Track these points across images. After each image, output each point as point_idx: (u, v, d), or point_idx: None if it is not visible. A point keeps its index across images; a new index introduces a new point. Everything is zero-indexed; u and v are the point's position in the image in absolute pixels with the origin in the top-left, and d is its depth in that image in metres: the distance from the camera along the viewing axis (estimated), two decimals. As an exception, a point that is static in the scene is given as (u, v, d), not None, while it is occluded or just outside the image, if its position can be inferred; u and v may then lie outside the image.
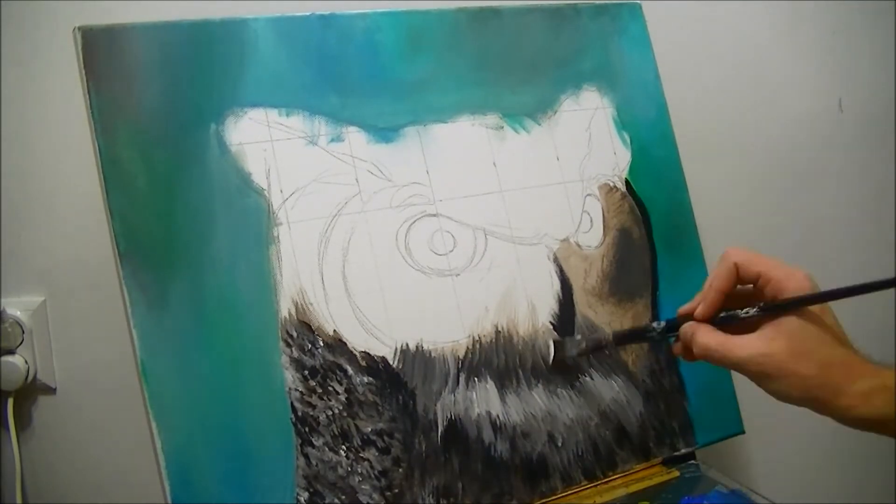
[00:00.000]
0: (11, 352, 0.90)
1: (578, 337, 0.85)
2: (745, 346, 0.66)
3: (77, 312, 0.93)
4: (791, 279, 0.66)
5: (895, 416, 0.61)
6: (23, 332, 0.91)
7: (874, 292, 0.64)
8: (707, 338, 0.68)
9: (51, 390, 0.93)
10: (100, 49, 0.74)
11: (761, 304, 0.67)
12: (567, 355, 0.84)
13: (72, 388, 0.94)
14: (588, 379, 0.86)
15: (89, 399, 0.94)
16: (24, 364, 0.90)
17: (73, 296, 0.92)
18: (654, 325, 0.77)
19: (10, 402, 0.91)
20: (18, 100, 0.89)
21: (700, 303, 0.70)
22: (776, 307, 0.66)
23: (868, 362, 0.64)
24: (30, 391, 0.92)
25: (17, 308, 0.91)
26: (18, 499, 0.91)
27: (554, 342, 0.84)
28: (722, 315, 0.70)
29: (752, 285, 0.70)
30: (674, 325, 0.74)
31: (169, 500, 0.69)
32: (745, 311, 0.68)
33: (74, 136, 0.82)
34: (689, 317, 0.71)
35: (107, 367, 0.92)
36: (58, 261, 0.92)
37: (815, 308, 0.66)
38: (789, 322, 0.65)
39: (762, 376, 0.65)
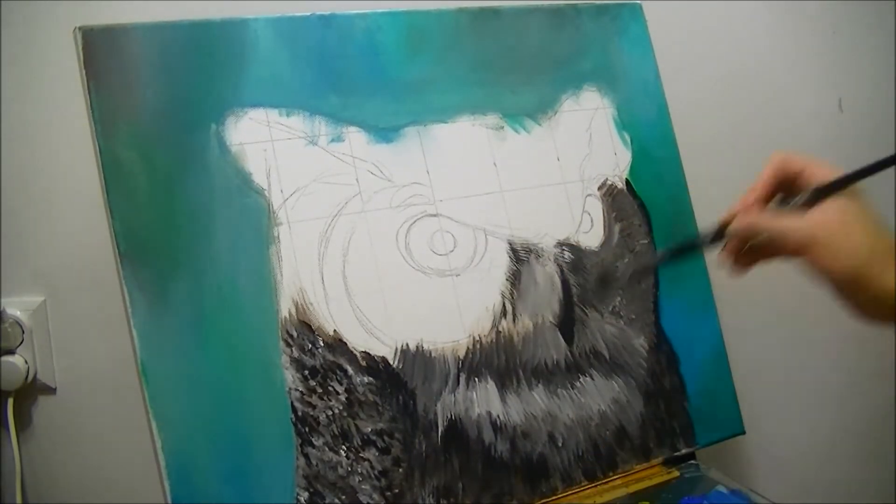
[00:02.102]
0: (11, 352, 0.90)
1: (626, 260, 0.85)
2: (795, 216, 0.66)
3: (77, 312, 0.93)
4: (835, 172, 0.67)
5: None
6: (23, 332, 0.91)
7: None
8: (753, 213, 0.68)
9: (51, 390, 0.93)
10: (100, 49, 0.74)
11: (811, 190, 0.67)
12: (617, 283, 0.85)
13: (72, 388, 0.94)
14: (588, 379, 0.86)
15: (89, 399, 0.94)
16: (24, 364, 0.90)
17: (73, 296, 0.92)
18: (703, 233, 0.74)
19: (10, 402, 0.91)
20: (19, 100, 0.88)
21: (745, 195, 0.70)
22: (826, 189, 0.66)
23: None
24: (30, 391, 0.92)
25: (17, 308, 0.91)
26: (18, 499, 0.91)
27: (601, 275, 0.84)
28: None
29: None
30: (720, 233, 0.72)
31: (169, 500, 0.69)
32: (796, 198, 0.68)
33: (74, 137, 0.82)
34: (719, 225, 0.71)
35: (107, 367, 0.92)
36: (58, 261, 0.92)
37: (858, 197, 0.66)
38: (836, 201, 0.65)
39: (812, 243, 0.64)
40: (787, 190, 0.70)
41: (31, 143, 0.90)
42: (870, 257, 0.62)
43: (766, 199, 0.70)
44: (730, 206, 1.12)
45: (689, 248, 0.79)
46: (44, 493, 0.94)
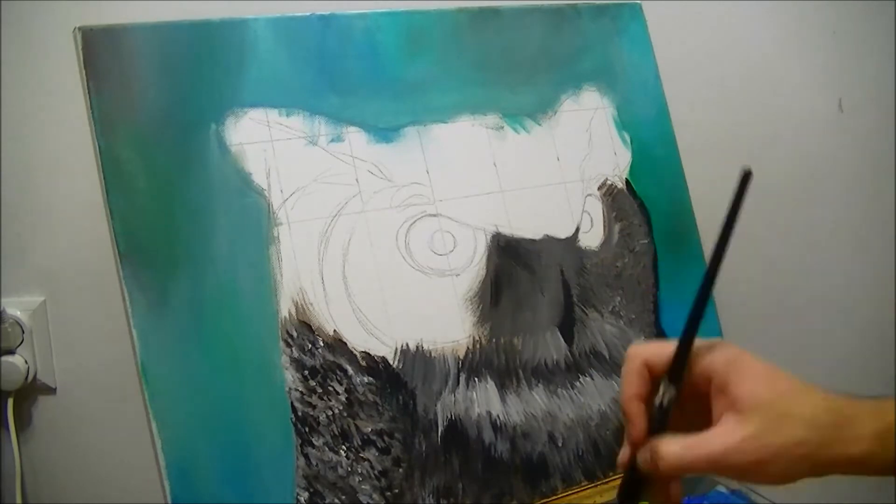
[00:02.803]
0: (11, 352, 0.90)
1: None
2: (714, 440, 0.52)
3: (77, 312, 0.93)
4: (713, 348, 0.55)
5: None
6: (23, 332, 0.90)
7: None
8: (670, 447, 0.52)
9: (51, 390, 0.93)
10: (100, 49, 0.74)
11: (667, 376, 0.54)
12: None
13: (72, 388, 0.94)
14: (588, 379, 0.86)
15: (89, 399, 0.94)
16: (24, 364, 0.90)
17: (73, 296, 0.92)
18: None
19: (10, 402, 0.91)
20: (19, 100, 0.88)
21: (627, 425, 0.56)
22: (677, 367, 0.54)
23: (846, 398, 0.53)
24: (30, 391, 0.92)
25: (17, 308, 0.90)
26: (18, 499, 0.91)
27: None
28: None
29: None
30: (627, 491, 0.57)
31: (169, 500, 0.69)
32: (659, 395, 0.54)
33: (74, 137, 0.82)
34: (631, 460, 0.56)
35: (107, 367, 0.92)
36: (58, 261, 0.92)
37: (757, 367, 0.53)
38: (744, 396, 0.52)
39: (750, 466, 0.51)
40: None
41: (32, 143, 0.90)
42: (822, 443, 0.51)
43: (643, 398, 0.55)
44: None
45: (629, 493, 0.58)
46: (44, 493, 0.94)
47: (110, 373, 0.91)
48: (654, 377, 0.55)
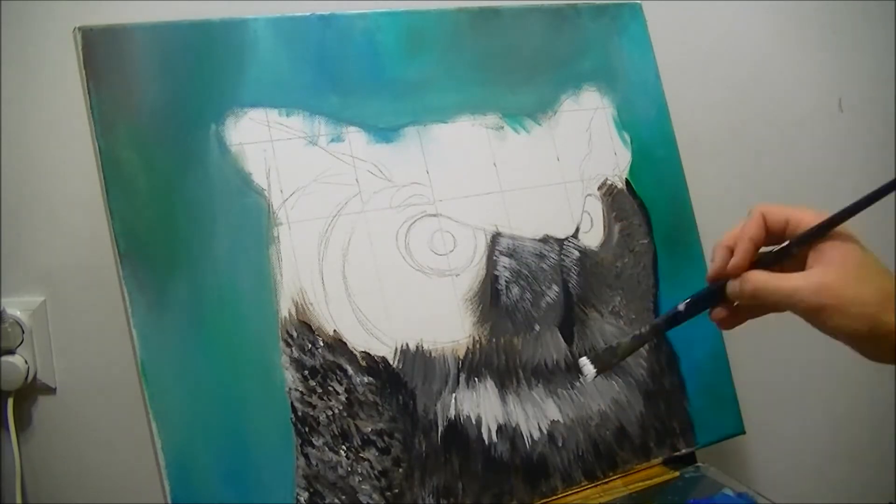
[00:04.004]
0: (11, 352, 0.90)
1: (615, 344, 0.78)
2: (799, 277, 0.61)
3: (77, 312, 0.93)
4: (820, 217, 0.63)
5: None
6: (23, 332, 0.90)
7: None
8: (758, 276, 0.63)
9: (51, 390, 0.93)
10: (100, 49, 0.74)
11: (795, 238, 0.64)
12: (611, 364, 0.74)
13: (72, 388, 0.94)
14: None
15: (89, 399, 0.94)
16: (24, 364, 0.90)
17: (73, 296, 0.92)
18: (680, 307, 0.70)
19: (10, 402, 0.91)
20: (19, 100, 0.88)
21: (734, 255, 0.65)
22: (810, 235, 0.63)
23: None
24: (30, 391, 0.92)
25: (17, 308, 0.91)
26: (18, 499, 0.91)
27: (592, 360, 0.72)
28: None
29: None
30: (699, 299, 0.70)
31: (169, 500, 0.69)
32: (778, 247, 0.65)
33: (75, 137, 0.82)
34: (717, 284, 0.67)
35: (107, 367, 0.92)
36: (58, 261, 0.92)
37: (852, 241, 0.63)
38: (835, 253, 0.61)
39: (821, 308, 0.60)
40: (775, 243, 0.66)
41: (32, 143, 0.90)
42: (881, 308, 0.59)
43: (757, 242, 0.66)
44: (730, 205, 1.13)
45: (674, 321, 0.72)
46: (44, 493, 0.94)
47: (110, 373, 0.91)
48: (768, 227, 0.65)
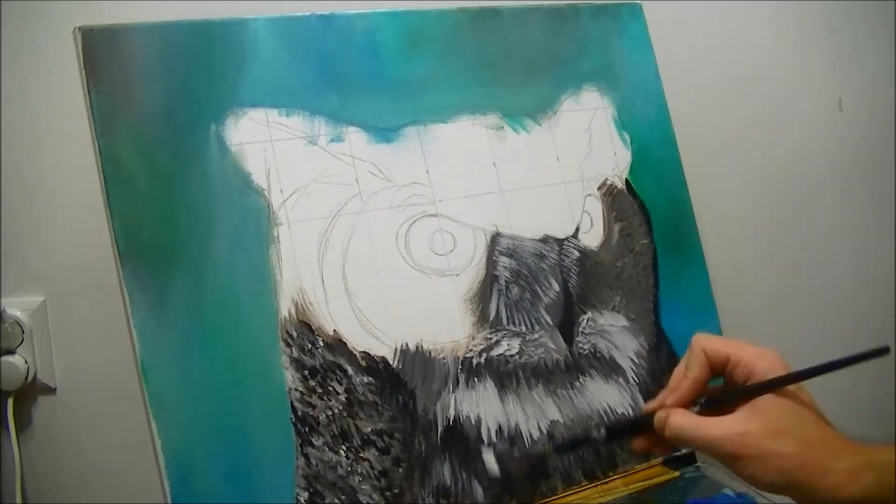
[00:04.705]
0: (11, 352, 0.90)
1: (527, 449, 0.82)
2: (719, 425, 0.61)
3: (77, 312, 0.93)
4: (760, 359, 0.63)
5: (884, 495, 0.56)
6: (23, 332, 0.90)
7: (852, 365, 0.64)
8: (680, 418, 0.63)
9: (51, 390, 0.93)
10: (100, 49, 0.74)
11: (725, 392, 0.64)
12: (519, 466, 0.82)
13: (72, 388, 0.94)
14: (588, 379, 0.86)
15: (89, 399, 0.94)
16: (24, 364, 0.90)
17: (73, 296, 0.92)
18: (595, 433, 0.66)
19: (10, 402, 0.91)
20: (19, 100, 0.88)
21: (671, 393, 0.65)
22: (744, 392, 0.62)
23: (848, 440, 0.60)
24: (30, 391, 0.92)
25: (17, 308, 0.91)
26: (18, 499, 0.91)
27: (497, 457, 0.77)
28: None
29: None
30: (627, 425, 0.71)
31: (169, 500, 0.69)
32: (718, 395, 0.65)
33: (75, 137, 0.82)
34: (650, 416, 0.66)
35: (107, 367, 0.92)
36: (58, 261, 0.92)
37: (788, 395, 0.62)
38: (765, 401, 0.61)
39: (737, 458, 0.59)
40: (717, 372, 0.65)
41: (32, 142, 0.90)
42: (803, 464, 0.58)
43: (703, 381, 0.65)
44: (730, 206, 1.14)
45: (587, 442, 0.70)
46: (44, 493, 0.94)
47: (110, 373, 0.91)
48: (709, 364, 0.64)
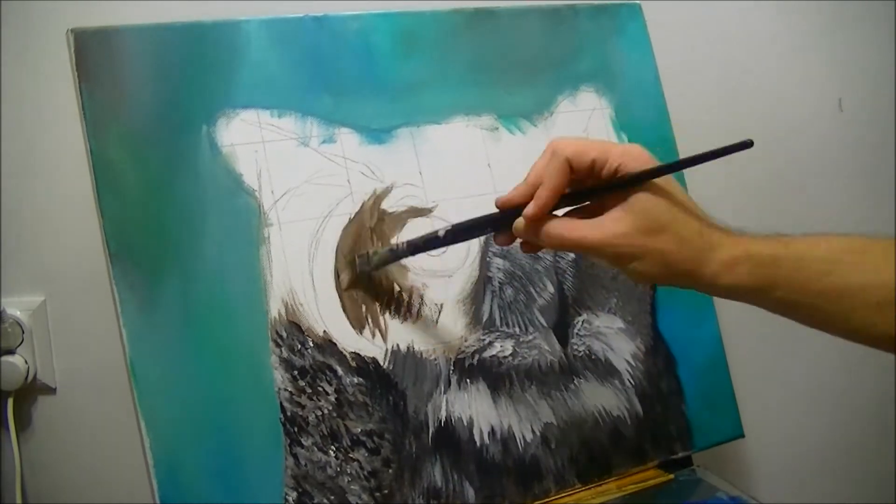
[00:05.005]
0: (11, 352, 0.91)
1: (371, 251, 0.79)
2: (597, 227, 0.62)
3: (77, 312, 0.93)
4: (627, 156, 0.63)
5: (757, 285, 0.61)
6: (23, 332, 0.91)
7: (719, 158, 0.63)
8: (558, 225, 0.64)
9: (51, 390, 0.94)
10: (92, 51, 0.74)
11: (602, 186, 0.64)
12: (363, 270, 0.79)
13: (72, 388, 0.94)
14: (583, 381, 0.86)
15: (89, 399, 0.94)
16: (24, 364, 0.91)
17: (73, 296, 0.93)
18: (440, 232, 0.71)
19: (10, 402, 0.91)
20: (19, 100, 0.89)
21: (532, 202, 0.64)
22: (621, 184, 0.63)
23: (727, 231, 0.63)
24: (30, 391, 0.93)
25: (17, 308, 0.91)
26: (18, 499, 0.92)
27: (349, 262, 0.79)
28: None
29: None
30: (477, 224, 0.70)
31: (157, 499, 0.69)
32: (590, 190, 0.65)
33: (74, 137, 0.82)
34: (511, 210, 0.66)
35: (107, 367, 0.92)
36: (58, 261, 0.92)
37: (661, 182, 0.63)
38: (639, 199, 0.62)
39: (621, 258, 0.62)
40: (581, 176, 0.65)
41: (31, 143, 0.91)
42: (683, 258, 0.61)
43: (560, 191, 0.64)
44: (729, 206, 1.12)
45: (475, 227, 0.72)
46: (44, 493, 0.95)
47: (110, 373, 0.91)
48: (573, 169, 0.63)
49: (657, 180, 0.63)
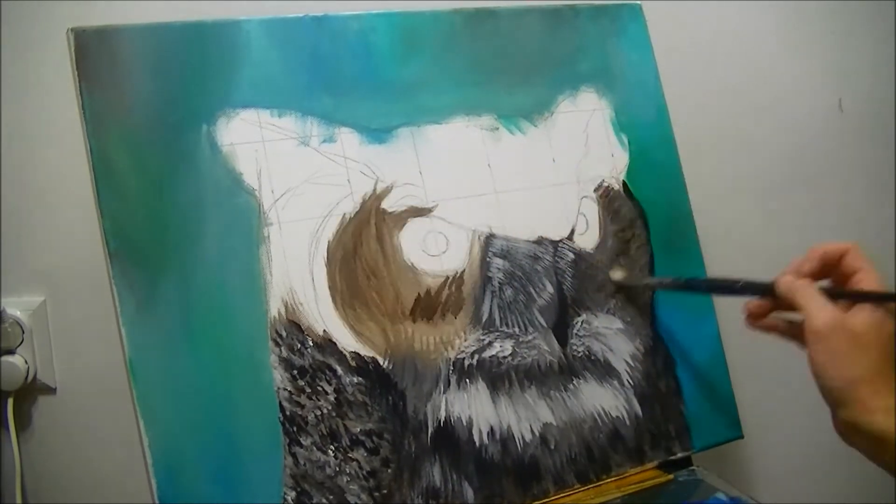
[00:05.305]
0: (11, 352, 0.91)
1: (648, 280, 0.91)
2: (826, 307, 0.66)
3: (77, 312, 0.93)
4: (872, 275, 0.68)
5: None
6: (23, 332, 0.91)
7: None
8: (805, 284, 0.69)
9: (51, 390, 0.94)
10: (92, 50, 0.75)
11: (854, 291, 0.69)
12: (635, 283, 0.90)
13: (72, 388, 0.95)
14: (582, 382, 0.85)
15: (89, 399, 0.94)
16: (24, 364, 0.91)
17: (73, 296, 0.93)
18: (738, 281, 0.78)
19: (10, 402, 0.91)
20: (19, 100, 0.90)
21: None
22: (866, 297, 0.67)
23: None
24: (30, 391, 0.93)
25: (17, 308, 0.92)
26: (18, 499, 0.92)
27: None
28: None
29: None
30: (753, 285, 0.76)
31: (155, 498, 0.69)
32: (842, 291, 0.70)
33: (74, 136, 0.82)
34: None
35: (107, 367, 0.92)
36: (58, 261, 0.93)
37: (888, 325, 0.66)
38: (872, 316, 0.65)
39: (819, 339, 0.65)
40: (828, 274, 0.71)
41: (32, 142, 0.91)
42: (864, 380, 0.63)
43: (826, 262, 0.70)
44: (729, 207, 1.13)
45: (724, 288, 0.83)
46: (44, 493, 0.95)
47: (110, 373, 0.91)
48: (823, 264, 0.70)
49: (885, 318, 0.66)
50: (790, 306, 0.70)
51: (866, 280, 0.68)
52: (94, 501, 0.94)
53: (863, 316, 0.65)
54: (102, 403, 0.94)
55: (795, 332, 0.71)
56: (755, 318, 0.75)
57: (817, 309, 0.66)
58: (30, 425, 0.94)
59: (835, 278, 0.71)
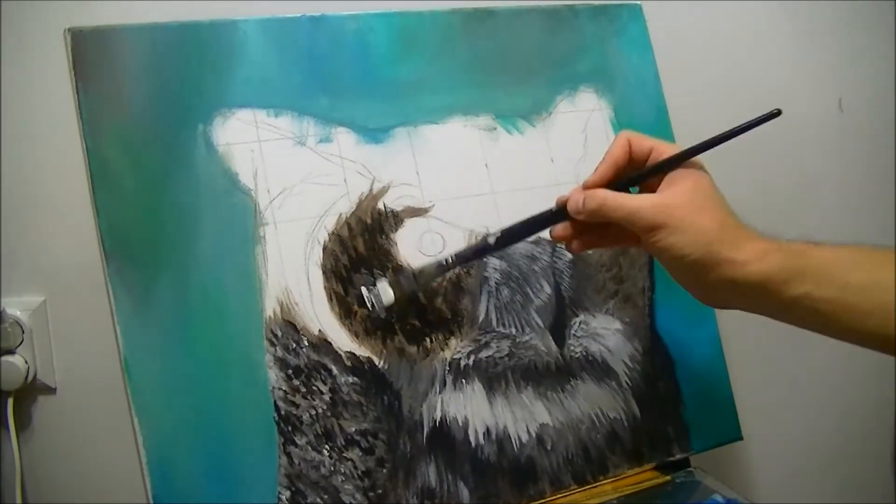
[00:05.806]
0: (11, 352, 0.91)
1: (416, 269, 0.78)
2: (642, 197, 0.66)
3: (77, 312, 0.93)
4: (677, 149, 0.69)
5: (787, 275, 0.62)
6: (23, 332, 0.91)
7: (750, 129, 0.72)
8: (602, 193, 0.68)
9: (51, 390, 0.94)
10: (89, 50, 0.75)
11: (656, 163, 0.70)
12: (409, 291, 0.78)
13: (72, 388, 0.94)
14: (579, 382, 0.85)
15: (89, 399, 0.94)
16: (24, 364, 0.91)
17: (73, 296, 0.93)
18: (489, 239, 0.74)
19: (10, 402, 0.91)
20: (16, 99, 0.90)
21: (592, 173, 0.71)
22: (666, 163, 0.69)
23: (755, 230, 0.66)
24: (30, 391, 0.93)
25: (17, 308, 0.92)
26: (18, 499, 0.92)
27: (391, 284, 0.77)
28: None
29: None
30: (535, 220, 0.73)
31: (150, 498, 0.69)
32: (641, 172, 0.71)
33: (74, 136, 0.83)
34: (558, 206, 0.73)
35: (107, 366, 0.91)
36: (58, 261, 0.93)
37: (704, 173, 0.68)
38: (685, 182, 0.66)
39: (660, 226, 0.64)
40: (638, 163, 0.71)
41: (31, 142, 0.91)
42: (720, 239, 0.63)
43: (612, 178, 0.70)
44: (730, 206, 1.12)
45: (526, 228, 0.75)
46: (44, 493, 0.95)
47: (110, 373, 0.90)
48: (632, 153, 0.71)
49: (701, 171, 0.68)
50: (593, 218, 0.69)
51: (658, 150, 0.70)
52: (94, 501, 0.94)
53: (678, 185, 0.66)
54: (102, 403, 0.94)
55: (619, 237, 0.71)
56: (576, 244, 0.73)
57: (633, 201, 0.66)
58: (30, 425, 0.94)
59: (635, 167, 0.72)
